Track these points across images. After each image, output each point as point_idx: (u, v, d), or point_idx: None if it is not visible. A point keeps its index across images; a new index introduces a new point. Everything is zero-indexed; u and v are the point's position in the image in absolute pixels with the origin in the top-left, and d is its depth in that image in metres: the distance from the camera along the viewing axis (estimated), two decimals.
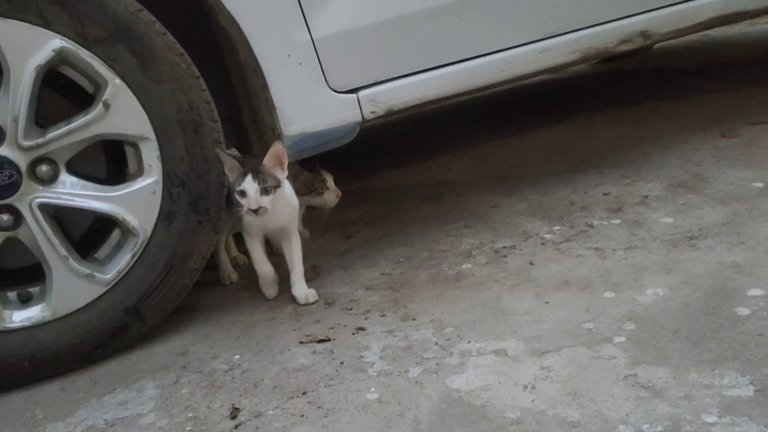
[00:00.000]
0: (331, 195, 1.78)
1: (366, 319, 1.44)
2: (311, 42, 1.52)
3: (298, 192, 1.66)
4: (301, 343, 1.39)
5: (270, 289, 1.63)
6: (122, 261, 1.43)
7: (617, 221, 1.68)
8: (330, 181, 1.79)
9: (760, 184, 1.71)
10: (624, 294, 1.35)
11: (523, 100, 3.34)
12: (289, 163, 1.50)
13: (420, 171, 2.45)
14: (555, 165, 2.19)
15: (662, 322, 1.23)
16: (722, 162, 1.91)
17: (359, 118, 1.60)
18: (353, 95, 1.59)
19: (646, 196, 1.78)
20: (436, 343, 1.30)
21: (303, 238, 1.96)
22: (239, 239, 1.74)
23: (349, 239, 1.92)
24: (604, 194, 1.86)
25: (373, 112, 1.61)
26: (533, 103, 3.25)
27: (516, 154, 2.41)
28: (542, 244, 1.64)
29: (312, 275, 1.69)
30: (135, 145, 1.43)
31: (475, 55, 1.67)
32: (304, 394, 1.22)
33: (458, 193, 2.12)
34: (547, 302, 1.37)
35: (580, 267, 1.49)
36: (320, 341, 1.37)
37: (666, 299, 1.30)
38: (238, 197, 1.44)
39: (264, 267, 1.61)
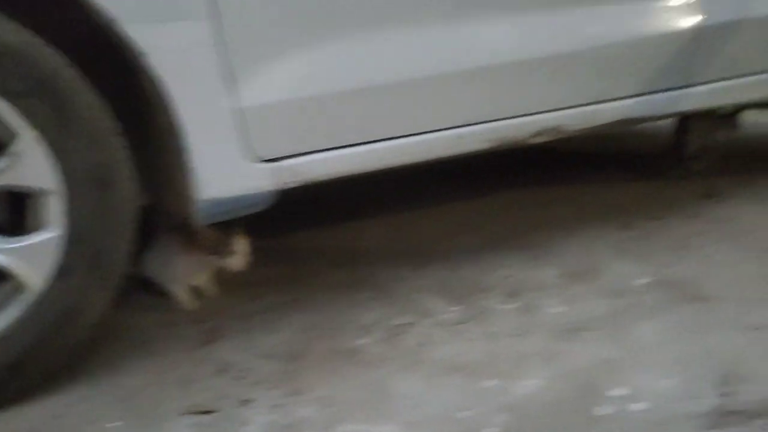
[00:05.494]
0: (235, 259, 1.83)
1: (255, 391, 1.45)
2: (237, 110, 1.55)
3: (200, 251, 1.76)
4: (186, 414, 1.38)
5: None
6: (8, 317, 1.39)
7: (513, 306, 1.76)
8: (240, 245, 1.83)
9: (646, 280, 1.83)
10: (505, 382, 1.41)
11: (443, 172, 3.44)
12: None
13: (335, 233, 2.48)
14: (466, 241, 2.27)
15: (534, 415, 1.29)
16: (617, 254, 2.03)
17: (276, 187, 1.63)
18: (274, 164, 1.62)
19: (544, 282, 1.88)
20: (317, 423, 1.32)
21: (209, 295, 1.96)
22: None
23: (253, 301, 1.92)
24: (506, 277, 1.94)
25: (292, 182, 1.65)
26: (453, 175, 3.34)
27: (430, 227, 2.48)
28: (438, 324, 1.70)
29: (210, 337, 1.69)
30: (40, 198, 1.42)
31: (397, 135, 1.75)
32: None
33: (369, 261, 2.17)
34: (432, 386, 1.42)
35: (470, 351, 1.55)
36: (205, 412, 1.37)
37: (542, 390, 1.37)
38: None
39: None
